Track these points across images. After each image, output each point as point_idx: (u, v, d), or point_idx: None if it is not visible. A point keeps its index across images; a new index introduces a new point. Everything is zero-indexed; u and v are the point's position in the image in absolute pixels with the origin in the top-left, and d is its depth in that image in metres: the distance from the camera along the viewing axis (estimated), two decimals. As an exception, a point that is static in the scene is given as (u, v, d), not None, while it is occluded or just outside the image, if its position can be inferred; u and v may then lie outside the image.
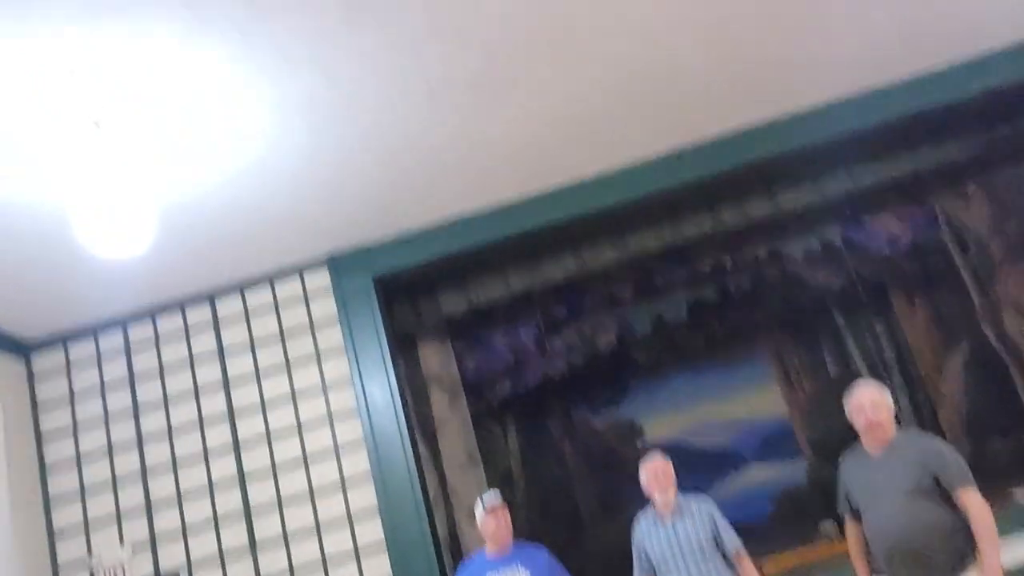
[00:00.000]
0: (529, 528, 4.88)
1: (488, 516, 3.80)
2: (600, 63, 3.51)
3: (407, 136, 3.65)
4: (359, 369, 4.38)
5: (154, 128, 3.12)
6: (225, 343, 4.48)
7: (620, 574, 3.96)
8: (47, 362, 4.50)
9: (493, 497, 3.87)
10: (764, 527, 5.17)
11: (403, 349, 4.81)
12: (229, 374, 4.44)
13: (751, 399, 5.75)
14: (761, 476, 5.45)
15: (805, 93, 4.24)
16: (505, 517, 3.83)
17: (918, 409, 5.24)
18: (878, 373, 5.36)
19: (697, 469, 5.26)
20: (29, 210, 3.36)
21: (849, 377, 5.36)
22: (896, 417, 3.44)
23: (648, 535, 3.82)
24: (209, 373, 4.44)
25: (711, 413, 5.76)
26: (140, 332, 4.51)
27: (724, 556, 3.73)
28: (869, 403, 3.37)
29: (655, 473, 3.86)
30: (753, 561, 3.78)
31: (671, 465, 3.89)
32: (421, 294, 4.86)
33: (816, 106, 4.35)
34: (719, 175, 4.46)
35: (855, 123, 4.37)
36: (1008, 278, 4.96)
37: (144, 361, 4.48)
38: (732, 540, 3.74)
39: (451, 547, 4.54)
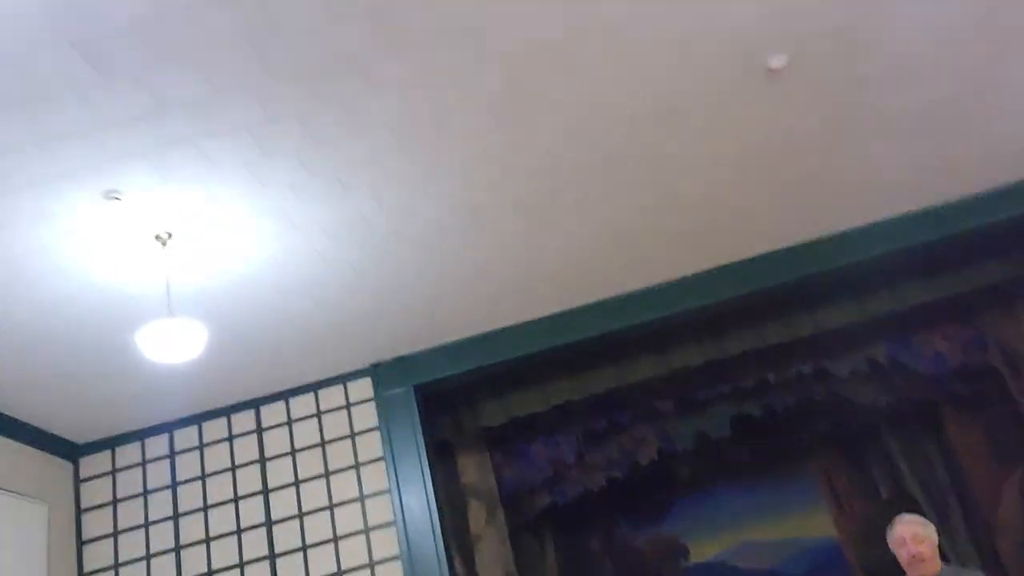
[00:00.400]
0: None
1: None
2: (641, 189, 3.61)
3: (452, 252, 3.76)
4: (397, 479, 4.35)
5: (214, 244, 3.28)
6: (267, 452, 4.52)
7: None
8: (94, 466, 4.58)
9: None
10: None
11: (441, 459, 4.78)
12: (269, 483, 4.45)
13: (799, 519, 5.55)
14: (810, 602, 5.22)
15: (845, 215, 4.27)
16: None
17: (975, 536, 5.00)
18: (932, 495, 5.15)
19: (742, 594, 5.05)
20: (86, 319, 3.50)
21: (903, 498, 5.17)
22: (942, 552, 3.34)
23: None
24: (249, 481, 4.46)
25: (757, 533, 5.57)
26: (185, 439, 4.58)
27: None
28: (911, 536, 3.32)
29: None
30: None
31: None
32: (461, 404, 4.87)
33: (857, 227, 4.37)
34: (760, 292, 4.46)
35: (896, 243, 4.37)
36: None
37: (187, 468, 4.52)
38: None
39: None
